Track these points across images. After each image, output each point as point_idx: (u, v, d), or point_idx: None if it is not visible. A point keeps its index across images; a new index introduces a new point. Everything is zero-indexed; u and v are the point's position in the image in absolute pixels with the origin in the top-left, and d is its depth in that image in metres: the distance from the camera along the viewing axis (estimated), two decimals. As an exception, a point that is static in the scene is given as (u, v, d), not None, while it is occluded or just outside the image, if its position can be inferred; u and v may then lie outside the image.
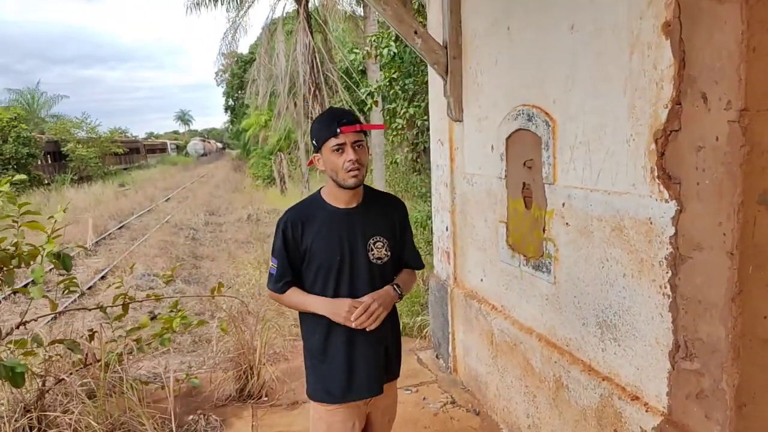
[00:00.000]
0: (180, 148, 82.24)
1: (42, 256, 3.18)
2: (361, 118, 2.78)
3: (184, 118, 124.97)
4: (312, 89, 10.13)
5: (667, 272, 2.00)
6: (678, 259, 1.95)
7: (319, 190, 2.19)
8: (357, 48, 18.82)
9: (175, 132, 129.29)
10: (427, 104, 6.47)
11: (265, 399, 3.95)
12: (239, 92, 41.96)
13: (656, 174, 2.03)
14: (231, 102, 47.08)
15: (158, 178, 37.09)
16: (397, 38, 6.56)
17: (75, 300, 8.37)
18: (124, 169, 42.84)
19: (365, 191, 2.21)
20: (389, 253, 2.17)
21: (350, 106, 12.58)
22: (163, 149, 72.20)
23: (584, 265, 2.49)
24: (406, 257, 2.31)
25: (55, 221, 3.15)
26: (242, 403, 3.91)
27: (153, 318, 4.41)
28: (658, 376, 2.08)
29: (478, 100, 3.48)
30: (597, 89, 2.33)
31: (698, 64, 1.81)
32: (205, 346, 5.16)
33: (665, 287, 2.01)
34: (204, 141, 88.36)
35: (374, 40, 6.77)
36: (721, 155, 1.75)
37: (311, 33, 9.87)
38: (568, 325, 2.65)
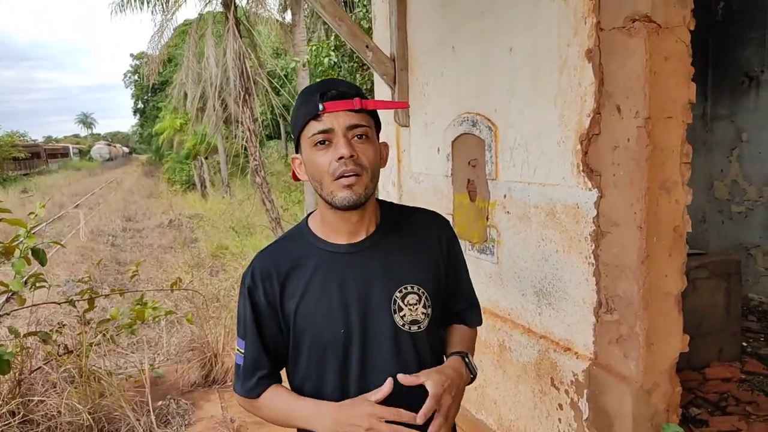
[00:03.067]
0: (83, 153, 78.26)
1: (20, 250, 3.33)
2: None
3: (86, 121, 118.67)
4: (242, 93, 10.30)
5: (591, 245, 2.54)
6: (599, 235, 2.48)
7: (306, 219, 1.43)
8: (281, 54, 19.04)
9: (77, 136, 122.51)
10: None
11: (230, 384, 4.23)
12: (149, 95, 40.70)
13: (581, 168, 2.56)
14: (141, 105, 45.50)
15: (63, 184, 35.28)
16: (336, 48, 6.99)
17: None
18: (25, 174, 40.33)
19: (384, 212, 1.42)
20: (429, 312, 1.37)
21: (278, 111, 12.81)
22: (65, 154, 68.42)
23: (523, 245, 3.01)
24: (460, 308, 1.53)
25: (36, 216, 3.31)
26: (208, 388, 4.18)
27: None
28: (585, 329, 2.61)
29: (424, 108, 3.95)
30: (533, 101, 2.86)
31: (614, 83, 2.36)
32: (162, 342, 5.32)
33: (590, 257, 2.55)
34: (109, 145, 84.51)
35: (315, 49, 7.16)
36: (631, 153, 2.29)
37: (240, 37, 10.06)
38: (510, 297, 3.16)
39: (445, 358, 1.45)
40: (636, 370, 2.34)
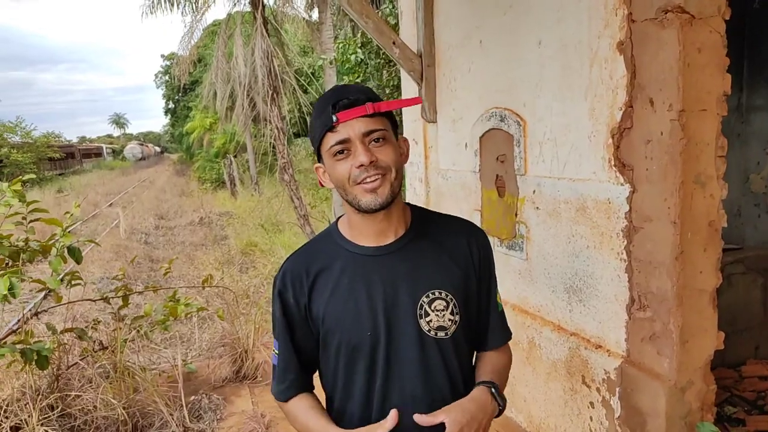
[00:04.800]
0: (116, 153, 79.89)
1: (57, 249, 3.41)
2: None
3: (119, 121, 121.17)
4: (270, 92, 10.38)
5: (623, 241, 2.49)
6: (632, 230, 2.44)
7: (336, 222, 1.43)
8: (308, 51, 19.16)
9: (110, 136, 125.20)
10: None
11: (260, 379, 4.28)
12: (180, 95, 41.34)
13: (613, 163, 2.52)
14: (171, 105, 46.22)
15: (97, 183, 36.07)
16: (362, 45, 7.00)
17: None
18: (60, 174, 41.37)
19: (414, 216, 1.41)
20: (457, 319, 1.34)
21: (305, 109, 12.89)
22: (98, 154, 69.92)
23: (553, 241, 2.98)
24: (491, 326, 1.47)
25: (71, 215, 3.39)
26: (239, 384, 4.23)
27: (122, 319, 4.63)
28: (617, 326, 2.57)
29: (451, 104, 3.93)
30: (562, 95, 2.82)
31: (646, 76, 2.31)
32: (194, 338, 5.41)
33: (622, 253, 2.50)
34: (142, 145, 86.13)
35: (341, 47, 7.18)
36: (665, 146, 2.25)
37: (268, 36, 10.15)
38: (539, 294, 3.13)
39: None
40: (669, 368, 2.29)
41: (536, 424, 3.17)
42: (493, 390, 1.33)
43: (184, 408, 3.60)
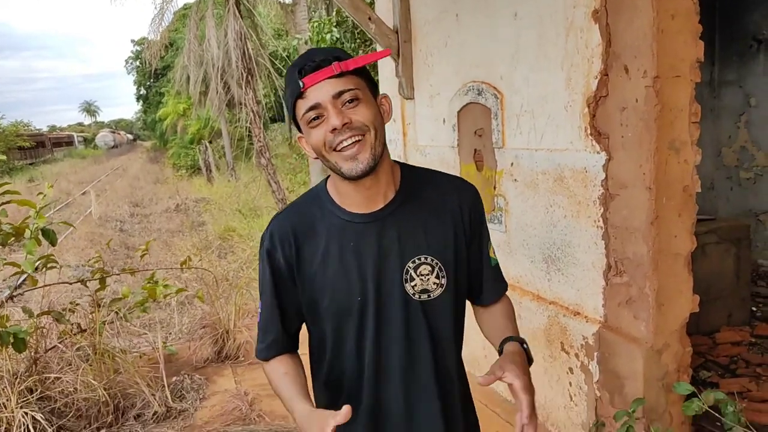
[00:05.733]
0: (88, 141, 78.29)
1: (31, 231, 3.35)
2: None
3: (89, 109, 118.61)
4: (244, 75, 10.25)
5: (600, 209, 2.53)
6: (608, 198, 2.48)
7: (325, 182, 1.37)
8: (282, 34, 18.92)
9: (80, 124, 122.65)
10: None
11: (242, 359, 4.28)
12: (151, 80, 40.61)
13: (589, 132, 2.55)
14: (143, 91, 45.41)
15: (69, 171, 35.35)
16: (338, 24, 6.93)
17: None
18: (30, 164, 40.46)
19: (404, 176, 1.37)
20: (444, 282, 1.33)
21: (282, 92, 12.73)
22: (69, 142, 68.48)
23: (531, 212, 3.01)
24: (485, 279, 1.46)
25: (45, 196, 3.33)
26: (221, 364, 4.22)
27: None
28: (594, 293, 2.62)
29: (428, 80, 3.93)
30: (539, 66, 2.83)
31: (621, 43, 2.33)
32: (173, 321, 5.37)
33: (599, 221, 2.54)
34: (114, 132, 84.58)
35: (316, 26, 7.11)
36: (640, 113, 2.28)
37: (241, 18, 10.00)
38: (519, 265, 3.17)
39: (495, 345, 1.41)
40: (646, 331, 2.35)
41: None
42: (525, 346, 1.35)
43: (166, 388, 3.58)
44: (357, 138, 1.19)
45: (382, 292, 1.30)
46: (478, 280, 1.45)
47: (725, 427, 2.06)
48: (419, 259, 1.32)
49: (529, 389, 1.21)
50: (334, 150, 1.20)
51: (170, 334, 5.37)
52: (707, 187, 5.51)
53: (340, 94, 1.18)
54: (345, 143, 1.19)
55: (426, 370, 1.34)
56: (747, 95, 5.21)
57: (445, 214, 1.36)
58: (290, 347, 1.41)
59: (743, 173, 5.33)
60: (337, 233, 1.30)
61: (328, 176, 1.37)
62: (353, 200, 1.30)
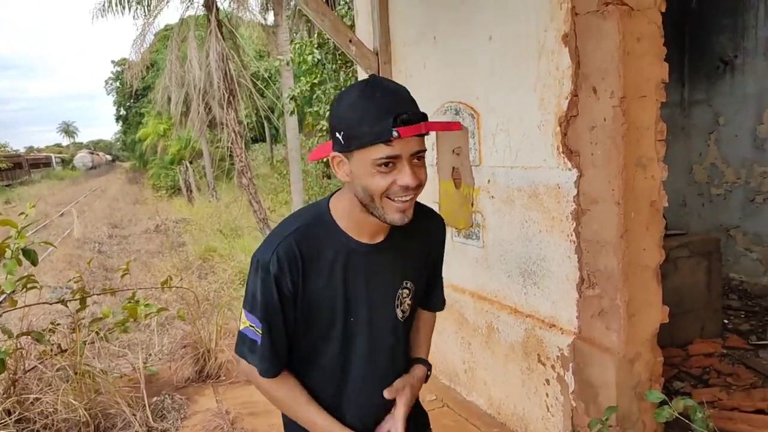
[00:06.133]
0: (66, 162, 77.47)
1: (11, 250, 3.35)
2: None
3: (68, 130, 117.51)
4: (226, 95, 10.31)
5: (572, 223, 2.62)
6: (580, 213, 2.57)
7: (327, 204, 1.40)
8: (264, 56, 19.05)
9: (59, 145, 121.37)
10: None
11: (223, 378, 4.27)
12: (131, 101, 40.46)
13: (561, 150, 2.64)
14: (123, 111, 45.21)
15: (47, 193, 34.91)
16: (320, 45, 7.04)
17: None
18: (7, 185, 39.90)
19: None
20: (413, 303, 1.51)
21: (262, 113, 12.83)
22: (47, 164, 67.72)
23: (508, 228, 3.09)
24: (433, 296, 1.64)
25: (26, 216, 3.33)
26: (202, 383, 4.21)
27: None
28: (569, 305, 2.70)
29: (407, 99, 4.02)
30: (513, 87, 2.94)
31: (590, 65, 2.44)
32: (153, 342, 5.35)
33: (572, 235, 2.63)
34: (92, 153, 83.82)
35: (298, 47, 7.21)
36: (608, 132, 2.38)
37: (223, 39, 10.09)
38: (496, 279, 3.24)
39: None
40: (618, 341, 2.42)
41: (496, 406, 3.28)
42: (428, 368, 1.59)
43: (147, 408, 3.57)
44: (413, 196, 1.27)
45: (375, 317, 1.42)
46: (431, 288, 1.64)
47: (695, 433, 2.13)
48: (405, 284, 1.47)
49: (405, 415, 1.46)
50: (388, 198, 1.25)
51: (151, 354, 5.34)
52: (679, 204, 5.67)
53: (418, 152, 1.24)
54: (404, 198, 1.25)
55: (399, 375, 1.52)
56: (716, 114, 5.40)
57: (422, 242, 1.51)
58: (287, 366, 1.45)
59: (714, 189, 5.49)
60: (342, 258, 1.35)
61: (330, 196, 1.41)
62: (363, 231, 1.36)
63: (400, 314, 1.45)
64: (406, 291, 1.46)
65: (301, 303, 1.35)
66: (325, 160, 1.53)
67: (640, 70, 2.35)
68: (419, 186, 1.26)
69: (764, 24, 4.97)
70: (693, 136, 5.64)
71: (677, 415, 2.18)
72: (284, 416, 1.53)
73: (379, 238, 1.39)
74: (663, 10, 2.38)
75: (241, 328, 1.39)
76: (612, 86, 2.34)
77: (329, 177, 13.48)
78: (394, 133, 1.17)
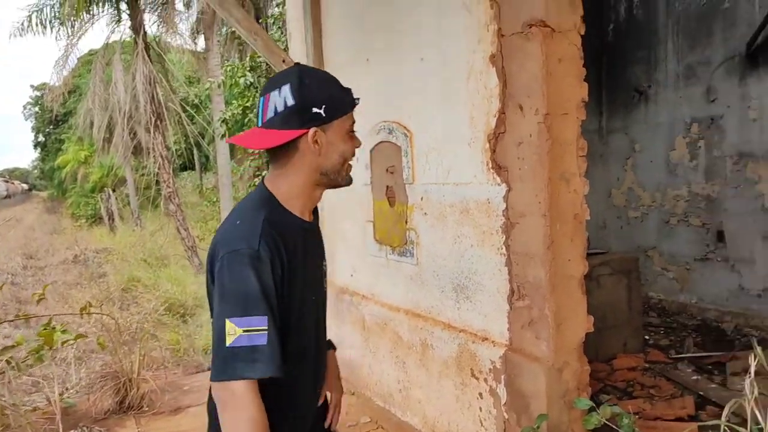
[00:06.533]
0: (-23, 191, 72.60)
1: None
2: None
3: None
4: (153, 119, 10.05)
5: (502, 237, 2.69)
6: (509, 226, 2.64)
7: (266, 193, 1.42)
8: (194, 82, 18.75)
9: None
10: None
11: (146, 409, 4.06)
12: (51, 127, 38.68)
13: (490, 166, 2.73)
14: (41, 138, 43.13)
15: (-46, 223, 32.55)
16: (252, 69, 7.00)
17: None
18: None
19: None
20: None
21: (192, 139, 12.55)
22: (-45, 192, 63.19)
23: (441, 244, 3.14)
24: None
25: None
26: (123, 415, 3.99)
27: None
28: (500, 317, 2.75)
29: (341, 120, 4.04)
30: (444, 106, 3.02)
31: (516, 84, 2.55)
32: (70, 373, 5.02)
33: (502, 248, 2.70)
34: (7, 182, 79.10)
35: (229, 71, 7.14)
36: (534, 147, 2.48)
37: (151, 62, 9.86)
38: (430, 296, 3.27)
39: None
40: (547, 350, 2.49)
41: (431, 424, 3.27)
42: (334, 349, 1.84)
43: (62, 442, 3.34)
44: None
45: (320, 292, 1.56)
46: None
47: (621, 437, 2.20)
48: (324, 262, 1.63)
49: (340, 398, 1.81)
50: (348, 166, 1.47)
51: (68, 388, 5.01)
52: (599, 226, 5.95)
53: None
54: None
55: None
56: (632, 141, 5.74)
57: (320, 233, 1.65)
58: None
59: (631, 212, 5.80)
60: (301, 239, 1.43)
61: (262, 187, 1.44)
62: (305, 210, 1.47)
63: (325, 290, 1.61)
64: (326, 268, 1.62)
65: (287, 286, 1.35)
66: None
67: (562, 89, 2.47)
68: None
69: (673, 57, 5.36)
70: (611, 162, 5.96)
71: (605, 421, 2.25)
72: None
73: (310, 217, 1.50)
74: (582, 32, 2.52)
75: (229, 343, 1.23)
76: (536, 104, 2.45)
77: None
78: (357, 101, 1.43)
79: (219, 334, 1.24)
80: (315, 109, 1.34)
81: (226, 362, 1.23)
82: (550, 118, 2.42)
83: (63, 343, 3.78)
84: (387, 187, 3.57)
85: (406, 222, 3.40)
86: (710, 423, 1.95)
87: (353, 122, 1.44)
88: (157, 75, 10.26)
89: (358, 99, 1.44)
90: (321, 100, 1.35)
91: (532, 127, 2.47)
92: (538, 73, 2.43)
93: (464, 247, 2.95)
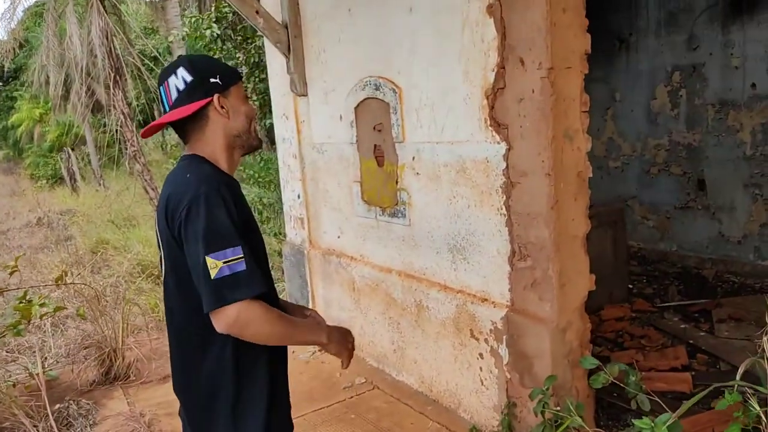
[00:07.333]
0: (-76, 153, 69.41)
1: None
2: None
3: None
4: (112, 75, 9.56)
5: (502, 197, 2.62)
6: (510, 186, 2.57)
7: (197, 157, 1.54)
8: (151, 33, 17.87)
9: None
10: (256, 85, 6.68)
11: (133, 378, 3.97)
12: (1, 84, 36.84)
13: (489, 123, 2.63)
14: (-9, 96, 41.07)
15: None
16: (218, 20, 6.63)
17: None
18: None
19: None
20: None
21: (154, 95, 12.01)
22: None
23: (435, 205, 3.05)
24: None
25: None
26: (110, 385, 3.89)
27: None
28: (500, 278, 2.70)
29: (322, 75, 3.87)
30: (437, 60, 2.88)
31: (516, 36, 2.43)
32: (48, 344, 4.87)
33: (502, 209, 2.63)
34: (-44, 142, 75.76)
35: (194, 21, 6.75)
36: (536, 104, 2.38)
37: (107, 13, 9.31)
38: (424, 257, 3.20)
39: None
40: (551, 311, 2.46)
41: (428, 383, 3.26)
42: None
43: (50, 417, 3.23)
44: None
45: (262, 239, 1.63)
46: None
47: (629, 395, 2.20)
48: None
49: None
50: (252, 127, 1.62)
51: (46, 358, 4.87)
52: (581, 177, 5.93)
53: None
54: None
55: None
56: (612, 90, 5.68)
57: None
58: None
59: (611, 163, 5.80)
60: (238, 187, 1.57)
61: (190, 156, 1.56)
62: (232, 169, 1.60)
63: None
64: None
65: (243, 227, 1.45)
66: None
67: (566, 41, 2.37)
68: None
69: (655, 4, 5.26)
70: (591, 112, 5.87)
71: (612, 380, 2.25)
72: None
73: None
74: (585, -20, 2.40)
75: (214, 276, 1.35)
76: (539, 57, 2.34)
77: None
78: (242, 73, 1.59)
79: (203, 271, 1.36)
80: (212, 79, 1.52)
81: (216, 293, 1.35)
82: (554, 73, 2.32)
83: (41, 316, 3.62)
84: (375, 146, 3.44)
85: (397, 182, 3.29)
86: (727, 384, 1.95)
87: (245, 89, 1.62)
88: (114, 27, 9.71)
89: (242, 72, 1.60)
90: (215, 71, 1.54)
91: (534, 82, 2.37)
92: (542, 24, 2.31)
93: (460, 207, 2.88)
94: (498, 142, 2.59)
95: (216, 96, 1.51)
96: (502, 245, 2.66)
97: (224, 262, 1.35)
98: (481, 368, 2.85)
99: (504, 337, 2.68)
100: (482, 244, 2.78)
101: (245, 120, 1.57)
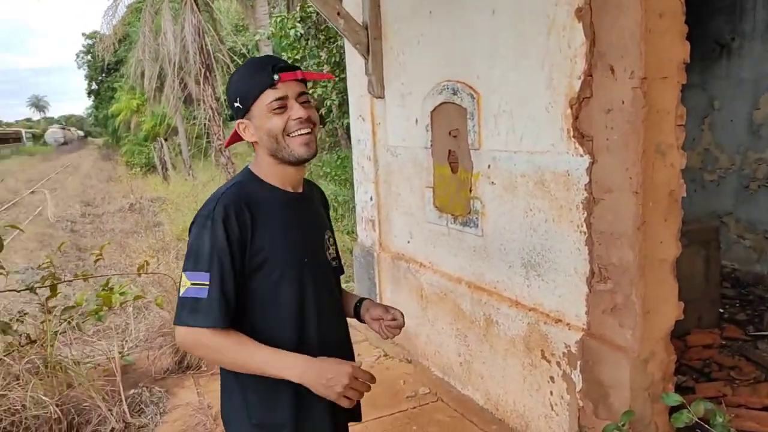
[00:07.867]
0: (36, 137, 75.43)
1: (-26, 236, 3.09)
2: None
3: (38, 104, 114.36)
4: (202, 70, 9.94)
5: (583, 213, 2.45)
6: (592, 202, 2.40)
7: (248, 169, 1.57)
8: (241, 30, 18.52)
9: (29, 120, 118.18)
10: (336, 84, 6.74)
11: (204, 369, 4.07)
12: (103, 75, 39.32)
13: (572, 134, 2.47)
14: (95, 86, 43.97)
15: (17, 169, 33.91)
16: (302, 19, 6.73)
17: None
18: (-26, 161, 38.64)
19: None
20: (335, 252, 1.72)
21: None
22: (17, 139, 65.79)
23: (509, 216, 2.92)
24: (338, 260, 1.77)
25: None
26: (182, 374, 4.00)
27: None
28: (577, 299, 2.54)
29: (400, 78, 3.80)
30: (518, 65, 2.74)
31: (606, 43, 2.26)
32: (130, 329, 5.11)
33: (582, 226, 2.47)
34: (64, 129, 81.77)
35: (279, 21, 6.88)
36: (626, 115, 2.21)
37: (199, 11, 9.68)
38: (495, 270, 3.08)
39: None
40: (632, 339, 2.28)
41: (494, 401, 3.14)
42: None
43: (124, 402, 3.36)
44: (310, 129, 1.49)
45: (317, 256, 1.60)
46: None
47: (715, 439, 2.00)
48: (327, 233, 1.69)
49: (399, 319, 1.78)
50: (290, 136, 1.47)
51: (126, 341, 5.10)
52: (672, 189, 5.56)
53: (302, 94, 1.49)
54: (302, 131, 1.47)
55: (339, 310, 1.71)
56: (710, 98, 5.27)
57: (318, 203, 1.74)
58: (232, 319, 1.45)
59: (707, 175, 5.39)
60: (283, 205, 1.53)
61: (244, 170, 1.59)
62: (286, 182, 1.55)
63: (329, 258, 1.66)
64: (330, 239, 1.69)
65: (251, 247, 1.44)
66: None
67: (661, 49, 2.17)
68: (310, 120, 1.48)
69: (763, 6, 4.83)
70: (686, 120, 5.50)
71: (697, 420, 2.06)
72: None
73: (299, 189, 1.60)
74: (687, -17, 2.20)
75: (181, 293, 1.40)
76: (632, 66, 2.16)
77: (329, 151, 13.13)
78: (276, 77, 1.44)
79: (179, 283, 1.42)
80: (236, 104, 1.50)
81: (177, 309, 1.40)
82: (647, 83, 2.14)
83: (121, 303, 3.77)
84: (449, 151, 3.34)
85: (471, 190, 3.18)
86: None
87: (275, 98, 1.44)
88: (205, 25, 10.08)
89: (277, 77, 1.44)
90: (235, 93, 1.50)
91: (625, 92, 2.20)
92: (635, 30, 2.13)
93: (537, 221, 2.73)
94: (581, 155, 2.43)
95: (237, 123, 1.54)
96: (581, 264, 2.50)
97: (192, 284, 1.38)
98: (551, 392, 2.70)
99: (578, 362, 2.51)
100: (559, 262, 2.63)
101: (269, 137, 1.47)
